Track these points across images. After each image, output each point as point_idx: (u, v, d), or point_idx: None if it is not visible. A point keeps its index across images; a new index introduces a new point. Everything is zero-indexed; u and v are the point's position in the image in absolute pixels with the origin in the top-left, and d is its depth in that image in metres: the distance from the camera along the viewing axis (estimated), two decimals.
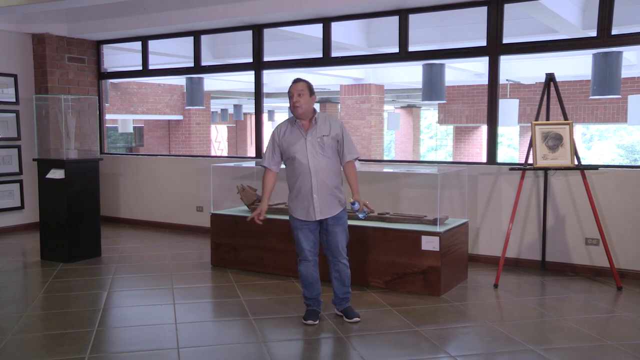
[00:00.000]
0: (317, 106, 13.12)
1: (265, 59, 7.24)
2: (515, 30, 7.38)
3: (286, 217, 5.55)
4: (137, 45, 8.24)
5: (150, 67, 8.25)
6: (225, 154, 25.22)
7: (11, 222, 7.77)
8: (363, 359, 3.59)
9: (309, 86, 4.10)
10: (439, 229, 4.90)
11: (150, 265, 5.94)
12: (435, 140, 30.00)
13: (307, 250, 4.17)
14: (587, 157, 26.41)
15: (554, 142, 5.20)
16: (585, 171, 5.25)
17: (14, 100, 7.71)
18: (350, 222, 5.22)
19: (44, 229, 6.15)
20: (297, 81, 4.11)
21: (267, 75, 9.66)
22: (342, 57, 6.96)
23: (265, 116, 9.86)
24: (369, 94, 13.88)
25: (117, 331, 4.13)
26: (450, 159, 21.58)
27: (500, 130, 9.95)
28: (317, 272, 4.27)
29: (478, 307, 4.63)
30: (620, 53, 7.67)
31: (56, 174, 5.97)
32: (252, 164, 7.34)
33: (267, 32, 7.25)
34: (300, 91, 4.05)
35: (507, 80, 12.66)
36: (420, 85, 10.14)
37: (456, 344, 3.91)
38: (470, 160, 17.86)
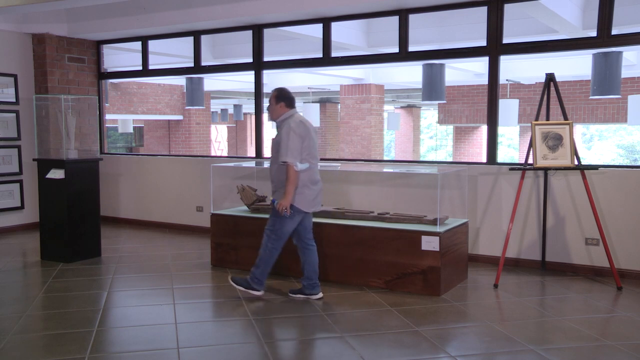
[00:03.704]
0: (316, 106, 13.18)
1: (265, 59, 7.24)
2: (515, 30, 7.38)
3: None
4: (137, 45, 8.24)
5: (150, 67, 8.25)
6: (225, 154, 25.22)
7: (11, 222, 7.77)
8: (363, 359, 3.59)
9: (274, 95, 4.71)
10: (439, 229, 4.90)
11: (150, 265, 5.94)
12: (435, 140, 30.01)
13: None
14: (587, 157, 26.41)
15: (554, 142, 5.20)
16: (585, 171, 5.25)
17: (14, 100, 7.71)
18: (352, 223, 5.23)
19: (44, 229, 6.15)
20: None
21: (267, 75, 9.65)
22: (342, 57, 6.96)
23: (265, 116, 9.84)
24: (369, 94, 13.88)
25: (117, 331, 4.13)
26: (450, 159, 21.58)
27: (500, 130, 9.95)
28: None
29: (478, 307, 4.63)
30: (620, 53, 7.67)
31: (56, 174, 5.97)
32: (252, 164, 7.34)
33: (267, 32, 7.25)
34: (268, 101, 4.76)
35: (507, 80, 12.65)
36: (420, 85, 10.14)
37: (456, 344, 3.91)
38: (470, 160, 17.86)
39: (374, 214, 5.40)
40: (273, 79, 14.01)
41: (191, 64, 7.84)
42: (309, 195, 4.64)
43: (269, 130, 17.37)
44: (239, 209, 6.03)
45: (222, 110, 22.44)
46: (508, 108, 10.05)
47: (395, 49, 6.40)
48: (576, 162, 5.21)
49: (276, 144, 4.62)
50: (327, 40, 6.72)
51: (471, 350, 3.76)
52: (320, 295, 4.76)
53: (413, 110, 20.63)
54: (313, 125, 4.83)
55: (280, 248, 4.74)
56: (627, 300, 4.78)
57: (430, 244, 4.82)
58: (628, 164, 13.36)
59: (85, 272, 5.65)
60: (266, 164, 7.02)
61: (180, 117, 16.74)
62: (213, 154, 22.33)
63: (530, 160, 5.32)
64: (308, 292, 4.75)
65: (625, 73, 10.04)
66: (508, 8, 5.80)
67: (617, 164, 12.15)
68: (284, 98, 4.69)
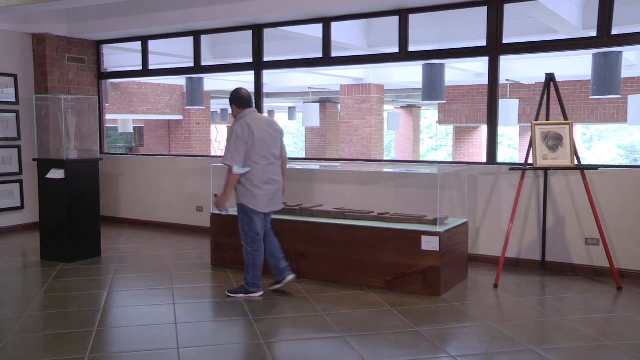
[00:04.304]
0: (316, 106, 13.18)
1: (265, 59, 7.24)
2: (515, 30, 7.38)
3: (285, 218, 5.56)
4: (137, 45, 8.24)
5: (150, 67, 8.25)
6: None
7: (11, 222, 7.77)
8: (363, 359, 3.59)
9: (230, 97, 4.80)
10: (439, 229, 4.90)
11: (150, 265, 5.94)
12: (435, 140, 30.02)
13: None
14: (587, 157, 26.42)
15: (554, 142, 5.20)
16: (585, 171, 5.25)
17: (14, 100, 7.71)
18: (352, 223, 5.23)
19: (44, 229, 6.15)
20: None
21: (267, 75, 9.68)
22: (342, 57, 6.96)
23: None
24: (369, 94, 13.88)
25: (117, 331, 4.13)
26: (450, 159, 21.58)
27: (500, 130, 9.93)
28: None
29: (478, 307, 4.63)
30: (620, 53, 7.67)
31: (56, 174, 5.97)
32: None
33: (267, 32, 7.25)
34: None
35: (507, 80, 12.66)
36: (420, 85, 10.14)
37: (456, 344, 3.91)
38: (470, 160, 17.86)
39: (374, 214, 5.40)
40: (273, 79, 14.02)
41: (191, 64, 7.84)
42: (262, 195, 4.70)
43: None
44: None
45: (222, 110, 22.43)
46: (508, 108, 10.06)
47: (395, 49, 6.40)
48: (576, 162, 5.21)
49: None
50: (327, 40, 6.72)
51: (471, 350, 3.76)
52: (292, 276, 4.90)
53: (413, 110, 20.63)
54: (274, 123, 4.85)
55: (262, 248, 4.82)
56: (627, 300, 4.78)
57: (430, 244, 4.82)
58: (628, 164, 13.35)
59: (85, 272, 5.66)
60: None
61: (180, 117, 16.75)
62: (213, 154, 22.33)
63: (530, 160, 5.32)
64: (280, 278, 4.87)
65: (625, 73, 10.05)
66: (508, 8, 5.80)
67: (617, 164, 12.15)
68: (233, 100, 4.81)
